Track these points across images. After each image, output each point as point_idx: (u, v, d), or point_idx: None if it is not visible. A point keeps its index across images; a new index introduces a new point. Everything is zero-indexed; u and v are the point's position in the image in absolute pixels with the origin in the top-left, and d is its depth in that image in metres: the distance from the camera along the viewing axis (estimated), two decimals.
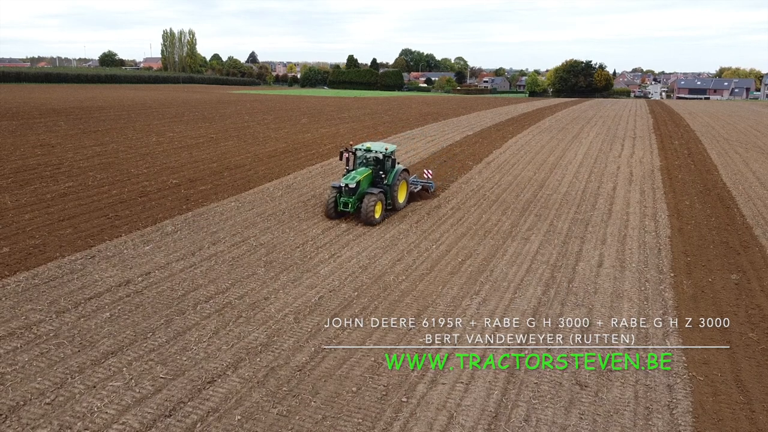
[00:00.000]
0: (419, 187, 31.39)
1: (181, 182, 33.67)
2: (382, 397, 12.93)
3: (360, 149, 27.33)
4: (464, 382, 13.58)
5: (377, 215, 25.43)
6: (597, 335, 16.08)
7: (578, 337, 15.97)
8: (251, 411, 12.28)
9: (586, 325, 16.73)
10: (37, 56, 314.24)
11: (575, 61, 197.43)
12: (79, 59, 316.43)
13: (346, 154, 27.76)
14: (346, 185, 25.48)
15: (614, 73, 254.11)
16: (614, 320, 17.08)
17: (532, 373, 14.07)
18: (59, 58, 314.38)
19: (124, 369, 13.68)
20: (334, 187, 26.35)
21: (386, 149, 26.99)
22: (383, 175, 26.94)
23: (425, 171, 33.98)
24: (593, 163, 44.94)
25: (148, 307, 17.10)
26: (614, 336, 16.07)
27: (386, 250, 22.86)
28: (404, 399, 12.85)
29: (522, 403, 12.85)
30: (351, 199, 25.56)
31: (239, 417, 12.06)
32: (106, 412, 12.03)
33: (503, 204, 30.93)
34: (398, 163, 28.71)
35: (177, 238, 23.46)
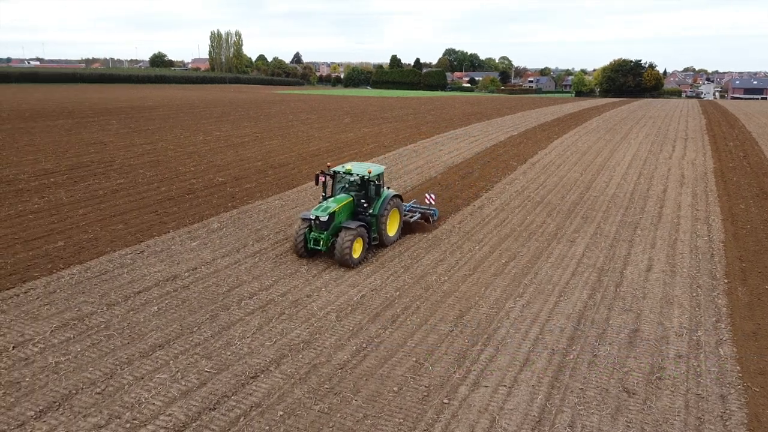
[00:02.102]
0: (416, 217, 25.55)
1: (227, 180, 34.29)
2: (424, 397, 12.84)
3: (339, 171, 22.37)
4: (507, 385, 13.37)
5: (355, 254, 20.43)
6: (645, 341, 15.59)
7: (626, 342, 15.53)
8: (293, 407, 12.37)
9: (634, 330, 16.25)
10: (91, 57, 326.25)
11: (624, 60, 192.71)
12: (131, 60, 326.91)
13: (323, 178, 22.18)
14: (317, 218, 20.46)
15: (664, 72, 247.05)
16: (664, 326, 16.54)
17: (578, 378, 13.74)
18: (112, 59, 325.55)
19: (171, 362, 13.98)
20: (303, 219, 21.18)
21: (369, 172, 21.66)
22: (365, 204, 21.94)
23: (427, 195, 27.74)
24: (642, 164, 43.72)
25: (194, 302, 17.45)
26: (664, 343, 15.56)
27: (428, 251, 22.73)
28: (446, 400, 12.73)
29: (567, 408, 12.56)
30: (323, 235, 20.51)
31: (281, 413, 12.16)
32: (153, 404, 12.31)
33: (548, 205, 30.38)
34: (388, 188, 23.87)
35: (222, 235, 23.88)
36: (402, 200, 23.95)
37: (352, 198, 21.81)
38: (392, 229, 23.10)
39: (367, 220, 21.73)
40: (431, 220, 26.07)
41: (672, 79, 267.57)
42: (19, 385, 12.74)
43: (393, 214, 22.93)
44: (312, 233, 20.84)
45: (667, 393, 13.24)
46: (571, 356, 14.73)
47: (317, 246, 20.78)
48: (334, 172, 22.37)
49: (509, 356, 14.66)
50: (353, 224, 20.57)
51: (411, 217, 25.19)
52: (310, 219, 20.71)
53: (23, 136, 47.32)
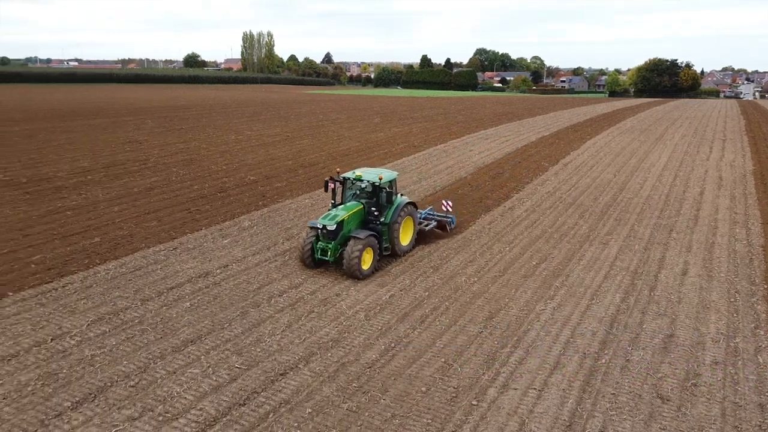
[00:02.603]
0: (432, 225, 24.54)
1: (258, 179, 34.66)
2: (452, 398, 12.77)
3: (349, 178, 21.27)
4: (537, 388, 13.21)
5: (365, 266, 19.33)
6: (681, 347, 15.24)
7: (660, 347, 15.21)
8: (322, 405, 12.43)
9: (668, 335, 15.90)
10: (127, 58, 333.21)
11: (659, 59, 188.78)
12: (165, 60, 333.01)
13: (332, 184, 21.05)
14: (324, 227, 19.48)
15: (702, 72, 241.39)
16: (700, 332, 16.14)
17: (610, 382, 13.50)
18: (147, 59, 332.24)
19: (203, 357, 14.19)
20: (311, 227, 20.23)
21: (380, 178, 20.42)
22: (376, 213, 20.77)
23: (444, 202, 26.10)
24: (678, 166, 42.77)
25: (225, 298, 17.67)
26: (700, 349, 15.19)
27: (458, 251, 22.61)
28: (474, 402, 12.64)
29: (598, 413, 12.35)
30: (330, 245, 19.55)
31: (310, 410, 12.23)
32: (185, 398, 12.51)
33: (580, 207, 29.94)
34: (401, 195, 22.53)
35: (253, 233, 24.15)
36: (416, 207, 22.62)
37: (362, 206, 20.72)
38: (406, 238, 21.91)
39: (378, 229, 20.58)
40: (448, 228, 24.92)
41: (710, 78, 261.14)
42: (56, 377, 13.08)
43: (406, 222, 21.77)
44: (319, 243, 19.81)
45: (702, 400, 12.91)
46: (603, 360, 14.48)
47: (325, 256, 19.73)
48: (343, 178, 21.28)
49: (539, 359, 14.48)
50: (363, 234, 19.49)
51: (426, 225, 24.08)
52: (318, 228, 19.72)
53: (62, 135, 48.60)
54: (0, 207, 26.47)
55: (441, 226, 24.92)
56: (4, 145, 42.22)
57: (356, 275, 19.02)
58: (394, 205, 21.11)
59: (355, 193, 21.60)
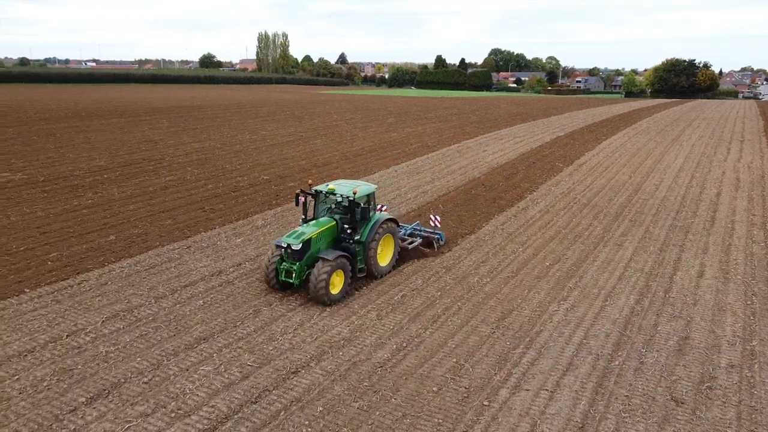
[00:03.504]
0: (417, 242, 22.15)
1: (272, 178, 34.82)
2: (464, 399, 12.73)
3: (321, 191, 19.13)
4: (549, 389, 13.12)
5: (334, 290, 17.35)
6: (696, 349, 15.06)
7: (674, 350, 15.04)
8: (333, 403, 12.45)
9: (683, 337, 15.73)
10: (144, 58, 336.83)
11: (677, 59, 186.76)
12: (181, 61, 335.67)
13: (303, 198, 19.04)
14: (288, 246, 17.46)
15: (720, 72, 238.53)
16: (716, 335, 15.94)
17: (623, 384, 13.38)
18: (163, 60, 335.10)
19: (215, 355, 14.27)
20: (278, 246, 18.08)
21: (355, 192, 18.39)
22: (349, 230, 18.72)
23: (432, 217, 23.57)
24: (695, 167, 42.29)
25: (238, 296, 17.76)
26: (715, 351, 15.00)
27: (471, 252, 22.54)
28: (486, 402, 12.59)
29: (611, 415, 12.24)
30: (295, 266, 17.50)
31: (321, 408, 12.26)
32: (197, 395, 12.59)
33: (595, 208, 29.71)
34: (380, 210, 21.02)
35: (266, 232, 24.25)
36: (397, 224, 20.62)
37: (335, 222, 18.74)
38: (384, 258, 19.93)
39: (352, 248, 18.58)
40: (436, 245, 22.60)
41: (728, 79, 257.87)
42: (71, 372, 13.22)
43: (385, 241, 19.90)
44: (283, 263, 17.79)
45: (718, 404, 12.75)
46: (617, 362, 14.36)
47: (290, 279, 17.70)
48: (316, 191, 19.15)
49: (552, 360, 14.39)
50: (331, 254, 17.45)
51: (410, 243, 21.82)
52: (282, 247, 17.74)
53: (79, 134, 49.16)
54: (18, 205, 26.84)
55: (428, 243, 22.73)
56: (23, 144, 42.81)
57: (323, 301, 17.03)
58: (372, 222, 19.17)
59: (329, 208, 19.53)
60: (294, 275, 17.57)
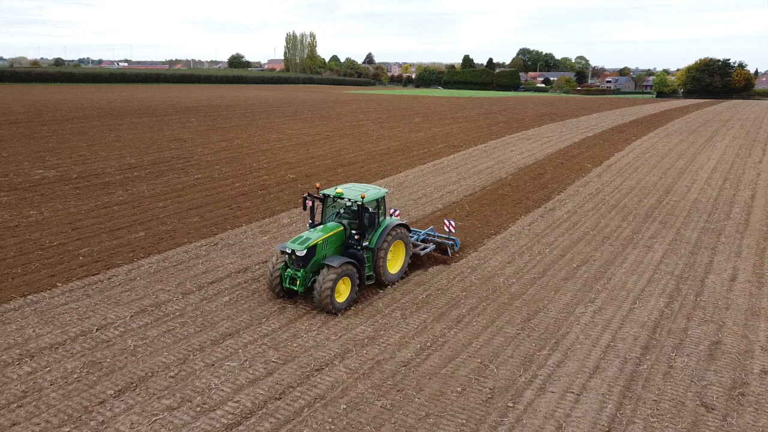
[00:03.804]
0: (430, 248, 21.33)
1: (298, 177, 35.03)
2: (488, 399, 12.62)
3: (329, 195, 18.45)
4: (575, 392, 12.93)
5: (340, 298, 16.78)
6: (727, 354, 14.70)
7: (705, 354, 14.70)
8: (356, 401, 12.46)
9: (714, 342, 15.36)
10: (174, 59, 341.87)
11: (710, 59, 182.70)
12: (211, 61, 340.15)
13: (309, 201, 18.57)
14: (293, 252, 16.81)
15: (756, 72, 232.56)
16: (748, 340, 15.53)
17: (651, 389, 13.12)
18: (193, 60, 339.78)
19: (240, 351, 14.39)
20: (282, 252, 17.51)
21: (362, 196, 17.63)
22: (357, 236, 17.93)
23: (447, 222, 22.64)
24: (729, 168, 41.32)
25: (264, 294, 17.90)
26: (748, 357, 14.62)
27: (496, 252, 22.36)
28: (510, 404, 12.46)
29: (638, 420, 12.01)
30: (300, 273, 16.81)
31: (344, 406, 12.27)
32: (222, 390, 12.71)
33: (624, 209, 29.23)
34: (393, 214, 20.27)
35: (292, 230, 24.40)
36: (408, 230, 19.76)
37: (343, 228, 18.03)
38: (395, 265, 19.30)
39: (360, 255, 17.86)
40: (450, 251, 21.83)
41: (764, 79, 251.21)
42: (100, 365, 13.47)
43: (396, 247, 19.26)
44: (288, 270, 17.13)
45: (750, 410, 12.42)
46: (645, 366, 14.09)
47: (293, 286, 17.02)
48: (323, 195, 18.52)
49: (578, 362, 14.18)
50: (337, 261, 16.69)
51: (423, 249, 21.03)
52: (287, 252, 17.07)
53: (111, 133, 50.13)
54: (51, 201, 27.47)
55: (442, 249, 22.00)
56: (56, 142, 43.81)
57: (328, 309, 16.41)
58: (381, 228, 18.50)
59: (338, 212, 18.92)
60: (298, 282, 16.85)
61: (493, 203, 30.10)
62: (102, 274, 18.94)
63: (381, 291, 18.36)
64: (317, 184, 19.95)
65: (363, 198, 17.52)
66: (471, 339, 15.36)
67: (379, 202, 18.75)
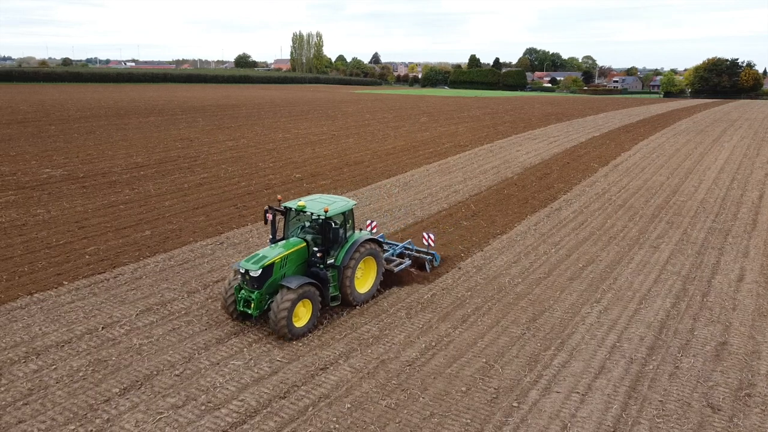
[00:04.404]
0: (406, 264, 19.44)
1: (304, 177, 35.06)
2: (492, 399, 12.59)
3: (291, 208, 16.78)
4: (581, 392, 12.88)
5: (299, 323, 15.15)
6: (734, 355, 14.60)
7: (712, 355, 14.61)
8: (361, 400, 12.45)
9: (721, 343, 15.26)
10: (181, 59, 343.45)
11: (719, 59, 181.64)
12: (217, 61, 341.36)
13: (269, 215, 16.79)
14: (247, 271, 15.22)
15: (764, 72, 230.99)
16: (756, 341, 15.42)
17: (657, 389, 13.05)
18: (200, 60, 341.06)
19: (245, 349, 14.41)
20: (236, 270, 15.91)
21: (326, 210, 15.83)
22: (319, 254, 16.23)
23: (425, 235, 20.80)
24: (736, 168, 41.07)
25: None
26: (755, 358, 14.52)
27: (502, 252, 22.30)
28: (515, 404, 12.42)
29: (644, 420, 11.95)
30: (255, 295, 15.23)
31: (349, 405, 12.27)
32: (227, 388, 12.74)
33: (630, 209, 29.10)
34: (371, 227, 19.07)
35: None
36: (380, 245, 18.08)
37: (305, 244, 16.35)
38: (364, 284, 17.66)
39: (323, 274, 16.24)
40: (428, 266, 20.06)
41: None
42: (106, 364, 13.52)
43: (366, 264, 17.66)
44: (242, 291, 15.53)
45: (756, 411, 12.33)
46: (651, 366, 14.02)
47: (248, 309, 15.46)
48: (285, 208, 16.87)
49: (583, 363, 14.13)
50: (296, 281, 15.06)
51: (398, 265, 19.18)
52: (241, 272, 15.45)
53: (118, 132, 50.34)
54: (59, 200, 27.60)
55: (420, 264, 20.19)
56: (64, 141, 44.03)
57: (284, 335, 14.82)
58: (349, 243, 16.94)
59: (303, 227, 17.27)
60: (252, 305, 15.26)
61: (499, 203, 30.04)
62: (108, 273, 19.01)
63: (386, 290, 18.31)
64: (279, 197, 18.11)
65: (326, 212, 15.81)
66: (476, 339, 15.33)
67: (346, 215, 17.05)
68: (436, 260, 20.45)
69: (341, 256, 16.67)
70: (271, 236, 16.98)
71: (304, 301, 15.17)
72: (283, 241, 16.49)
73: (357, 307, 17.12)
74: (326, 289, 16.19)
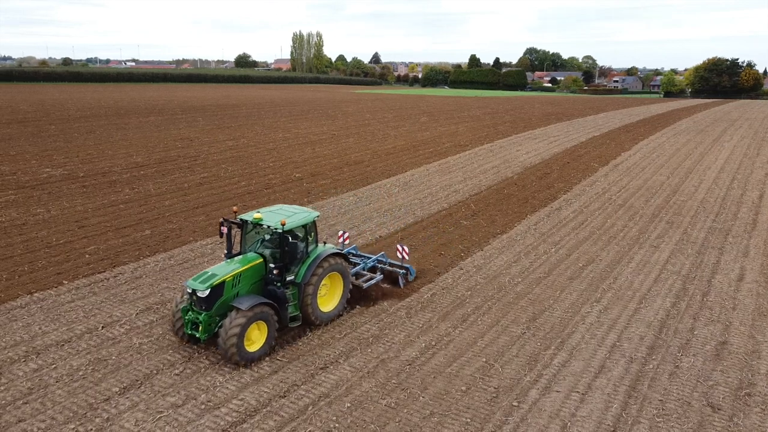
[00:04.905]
0: (377, 278, 18.11)
1: (304, 176, 35.05)
2: (492, 399, 12.59)
3: (247, 221, 15.42)
4: (580, 391, 12.88)
5: (252, 347, 13.84)
6: (734, 355, 14.60)
7: (712, 354, 14.60)
8: (360, 400, 12.45)
9: (721, 342, 15.26)
10: (181, 58, 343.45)
11: (719, 59, 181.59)
12: (218, 61, 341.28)
13: (224, 228, 15.30)
14: (194, 291, 13.87)
15: (765, 72, 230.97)
16: (756, 340, 15.42)
17: (657, 388, 13.05)
18: (200, 60, 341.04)
19: None
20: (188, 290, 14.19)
21: (283, 223, 14.50)
22: (275, 271, 14.85)
23: (399, 247, 19.25)
24: (737, 168, 41.07)
25: None
26: (755, 357, 14.51)
27: (502, 251, 22.30)
28: (515, 403, 12.42)
29: (644, 419, 11.94)
30: (202, 316, 13.88)
31: (349, 404, 12.26)
32: (227, 387, 12.73)
33: (630, 209, 29.10)
34: (324, 243, 16.84)
35: None
36: (347, 260, 16.71)
37: (262, 259, 14.97)
38: (328, 302, 16.27)
39: (280, 293, 14.82)
40: (402, 281, 18.56)
41: None
42: (106, 363, 13.52)
43: (331, 280, 16.29)
44: (189, 313, 14.13)
45: (756, 411, 12.33)
46: (651, 366, 14.01)
47: (195, 331, 14.06)
48: (241, 220, 15.50)
49: (583, 362, 14.12)
50: (248, 302, 13.80)
51: (367, 280, 17.79)
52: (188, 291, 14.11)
53: (118, 132, 50.34)
54: (59, 199, 27.60)
55: (393, 278, 18.72)
56: (64, 141, 44.03)
57: (236, 361, 13.49)
58: (311, 259, 15.55)
59: (262, 240, 15.81)
60: (200, 327, 13.86)
61: (499, 202, 30.04)
62: (108, 272, 19.01)
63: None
64: (234, 208, 16.88)
65: (283, 224, 14.46)
66: (476, 338, 15.32)
67: (308, 227, 15.68)
68: (411, 274, 18.99)
69: (302, 273, 15.31)
70: (226, 251, 15.40)
71: (258, 323, 13.90)
72: (239, 257, 15.17)
73: (320, 326, 15.66)
74: (284, 309, 14.79)
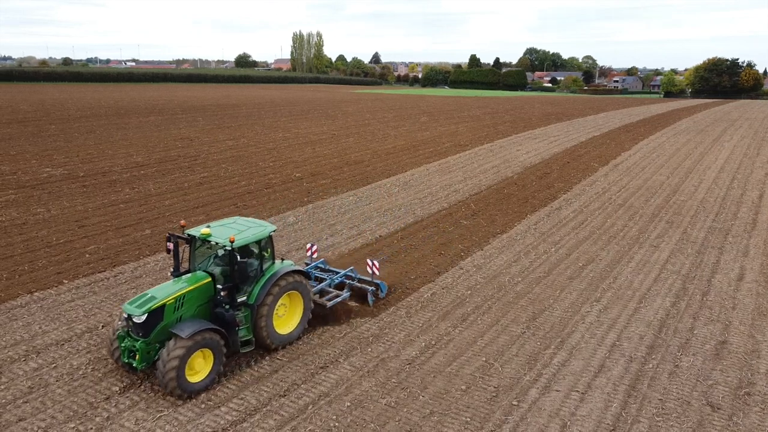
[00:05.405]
0: (344, 296, 16.74)
1: (304, 176, 35.06)
2: (492, 398, 12.60)
3: (195, 236, 13.85)
4: (580, 391, 12.89)
5: (195, 377, 12.47)
6: (734, 354, 14.61)
7: (711, 354, 14.62)
8: (360, 399, 12.46)
9: (721, 342, 15.27)
10: (181, 58, 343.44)
11: (719, 59, 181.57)
12: (218, 61, 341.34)
13: (170, 244, 13.84)
14: (129, 317, 12.63)
15: (765, 72, 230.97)
16: (755, 339, 15.43)
17: (657, 388, 13.06)
18: (200, 59, 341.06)
19: None
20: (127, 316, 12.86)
21: (231, 239, 13.09)
22: (223, 292, 13.41)
23: (369, 262, 17.87)
24: (737, 168, 41.07)
25: None
26: (754, 357, 14.53)
27: (502, 251, 22.31)
28: (515, 402, 12.43)
29: (644, 419, 11.96)
30: (139, 344, 12.52)
31: (349, 403, 12.27)
32: (228, 387, 12.74)
33: (630, 209, 29.10)
34: (281, 259, 15.15)
35: (298, 228, 24.43)
36: (307, 277, 15.38)
37: (210, 279, 13.57)
38: (287, 323, 14.80)
39: (228, 316, 13.43)
40: (371, 299, 17.20)
41: None
42: (106, 362, 13.53)
43: (290, 300, 14.88)
44: (126, 340, 12.82)
45: (756, 410, 12.34)
46: (651, 365, 14.03)
47: (131, 359, 12.73)
48: (189, 236, 13.95)
49: (583, 361, 14.13)
50: (189, 328, 12.39)
51: (332, 299, 16.42)
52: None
53: (118, 131, 50.34)
54: (59, 199, 27.61)
55: (362, 295, 17.36)
56: (64, 141, 44.04)
57: (177, 394, 12.16)
58: (265, 277, 14.16)
59: (215, 256, 14.35)
60: (138, 356, 12.51)
61: (499, 202, 30.05)
62: (108, 272, 19.02)
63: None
64: (182, 222, 15.62)
65: (232, 241, 13.08)
66: (476, 337, 15.33)
67: (262, 243, 14.23)
68: (381, 291, 17.61)
69: (255, 293, 13.89)
70: (173, 269, 14.12)
71: (202, 351, 12.53)
72: (187, 275, 13.76)
73: (276, 349, 14.31)
74: (233, 333, 13.45)
